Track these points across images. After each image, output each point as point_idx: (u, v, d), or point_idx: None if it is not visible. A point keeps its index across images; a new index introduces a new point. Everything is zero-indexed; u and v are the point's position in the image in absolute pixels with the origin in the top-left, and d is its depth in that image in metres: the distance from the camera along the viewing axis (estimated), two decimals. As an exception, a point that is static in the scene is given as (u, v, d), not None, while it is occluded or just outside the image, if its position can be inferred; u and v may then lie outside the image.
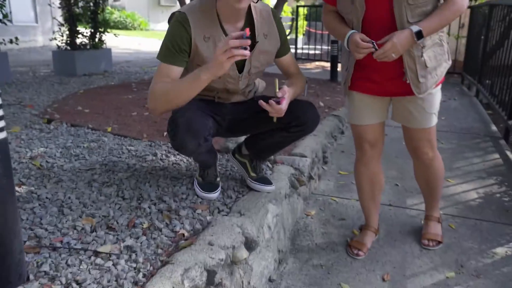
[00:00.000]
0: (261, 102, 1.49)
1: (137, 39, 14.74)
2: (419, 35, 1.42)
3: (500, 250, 1.88)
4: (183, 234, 1.46)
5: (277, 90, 1.51)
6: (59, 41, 6.15)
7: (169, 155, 2.40)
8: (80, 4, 6.11)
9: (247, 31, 1.27)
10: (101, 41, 6.47)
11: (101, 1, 6.26)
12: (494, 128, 3.96)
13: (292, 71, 1.80)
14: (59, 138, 2.67)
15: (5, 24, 5.41)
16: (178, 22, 1.53)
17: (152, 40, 14.87)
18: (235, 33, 1.28)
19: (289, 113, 1.59)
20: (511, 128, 3.43)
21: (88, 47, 6.31)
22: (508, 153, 3.23)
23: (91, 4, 6.20)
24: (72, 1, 5.96)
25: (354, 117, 1.75)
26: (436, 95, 1.64)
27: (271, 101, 1.48)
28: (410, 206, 2.32)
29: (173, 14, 1.59)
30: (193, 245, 1.34)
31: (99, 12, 6.28)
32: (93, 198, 1.75)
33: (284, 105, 1.50)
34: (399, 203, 2.36)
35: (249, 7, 1.61)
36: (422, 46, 1.51)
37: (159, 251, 1.34)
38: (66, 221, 1.52)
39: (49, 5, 7.74)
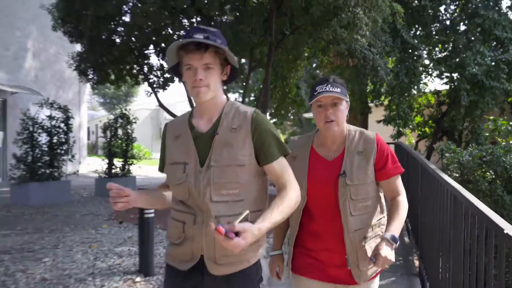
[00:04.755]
0: (210, 225, 1.38)
1: (144, 167, 17.79)
2: (395, 238, 1.61)
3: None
4: None
5: (236, 222, 1.25)
6: (100, 171, 8.85)
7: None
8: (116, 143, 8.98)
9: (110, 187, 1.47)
10: (129, 170, 9.18)
11: (130, 142, 9.15)
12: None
13: (282, 184, 1.54)
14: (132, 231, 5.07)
15: (71, 161, 8.15)
16: (162, 134, 1.68)
17: (155, 167, 17.96)
18: (111, 185, 1.46)
19: None
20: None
21: (120, 175, 8.99)
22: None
23: (124, 144, 9.07)
24: (112, 143, 8.83)
25: None
26: (375, 282, 1.82)
27: (220, 229, 1.20)
28: None
29: None
30: None
31: (129, 149, 9.12)
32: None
33: (239, 242, 1.23)
34: None
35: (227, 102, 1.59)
36: (364, 237, 1.70)
37: None
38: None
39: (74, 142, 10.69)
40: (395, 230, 1.66)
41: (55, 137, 7.95)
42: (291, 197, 1.51)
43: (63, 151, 7.97)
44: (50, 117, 7.91)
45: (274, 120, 13.38)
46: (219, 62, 1.51)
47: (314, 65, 13.34)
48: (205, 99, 1.51)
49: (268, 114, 11.96)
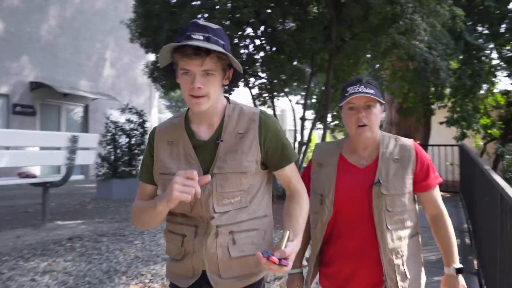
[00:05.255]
0: (259, 254, 1.19)
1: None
2: (460, 270, 1.55)
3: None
4: None
5: (283, 246, 1.21)
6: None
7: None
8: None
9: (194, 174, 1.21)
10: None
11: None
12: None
13: (292, 188, 1.49)
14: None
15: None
16: (149, 138, 1.51)
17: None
18: (184, 172, 1.22)
19: None
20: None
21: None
22: None
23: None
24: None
25: None
26: None
27: (273, 259, 1.16)
28: None
29: None
30: None
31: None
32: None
33: (290, 267, 1.21)
34: None
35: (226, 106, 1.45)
36: (401, 255, 1.55)
37: None
38: None
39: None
40: (455, 260, 1.59)
41: (133, 139, 8.88)
42: (307, 202, 1.48)
43: (139, 151, 8.87)
44: (129, 121, 8.86)
45: (336, 122, 13.65)
46: (221, 67, 1.34)
47: (377, 65, 13.43)
48: (203, 110, 1.36)
49: (330, 116, 12.28)
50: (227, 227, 1.37)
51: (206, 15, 6.83)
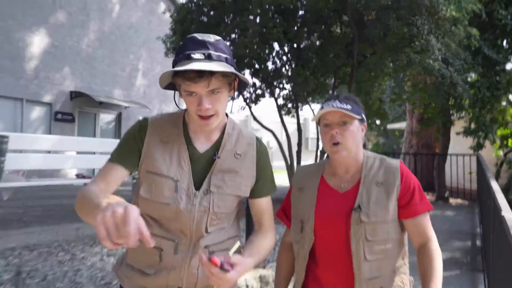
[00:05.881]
0: (202, 256, 1.13)
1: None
2: None
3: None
4: None
5: (230, 254, 1.18)
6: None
7: None
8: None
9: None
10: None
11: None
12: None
13: (263, 223, 1.46)
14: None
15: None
16: (136, 125, 1.39)
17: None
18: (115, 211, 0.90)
19: None
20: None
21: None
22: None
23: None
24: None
25: None
26: None
27: (215, 260, 1.10)
28: None
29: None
30: None
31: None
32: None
33: (233, 276, 1.13)
34: None
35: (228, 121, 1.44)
36: (379, 287, 1.41)
37: None
38: None
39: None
40: None
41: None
42: (272, 240, 1.45)
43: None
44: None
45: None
46: (227, 82, 1.28)
47: (401, 74, 13.92)
48: (213, 127, 1.33)
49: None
50: (211, 247, 1.35)
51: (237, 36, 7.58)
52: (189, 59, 1.21)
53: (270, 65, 8.73)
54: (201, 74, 1.19)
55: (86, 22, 12.87)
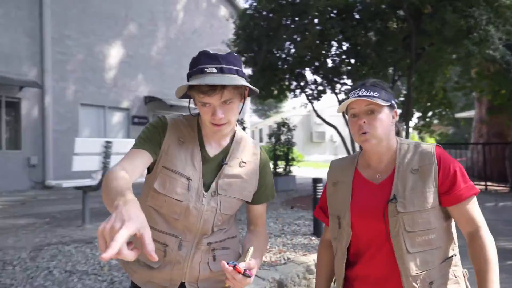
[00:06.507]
0: (224, 263, 1.22)
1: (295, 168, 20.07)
2: None
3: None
4: None
5: (247, 259, 1.28)
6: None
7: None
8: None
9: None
10: (290, 170, 11.24)
11: (291, 146, 11.21)
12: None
13: (258, 223, 1.58)
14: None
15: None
16: (158, 121, 1.46)
17: (307, 168, 19.96)
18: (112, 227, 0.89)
19: None
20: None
21: (282, 174, 11.10)
22: None
23: (286, 148, 11.17)
24: (276, 147, 11.00)
25: None
26: None
27: (239, 268, 1.21)
28: None
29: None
30: None
31: (290, 153, 11.20)
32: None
33: (252, 279, 1.26)
34: None
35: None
36: (430, 282, 1.34)
37: None
38: None
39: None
40: None
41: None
42: (267, 241, 1.59)
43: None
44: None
45: (422, 122, 14.07)
46: (238, 93, 1.37)
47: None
48: (225, 133, 1.43)
49: (415, 117, 12.83)
50: (213, 244, 1.46)
51: (298, 39, 8.09)
52: (203, 73, 1.30)
53: (329, 63, 9.14)
54: (214, 88, 1.28)
55: (154, 32, 14.00)
